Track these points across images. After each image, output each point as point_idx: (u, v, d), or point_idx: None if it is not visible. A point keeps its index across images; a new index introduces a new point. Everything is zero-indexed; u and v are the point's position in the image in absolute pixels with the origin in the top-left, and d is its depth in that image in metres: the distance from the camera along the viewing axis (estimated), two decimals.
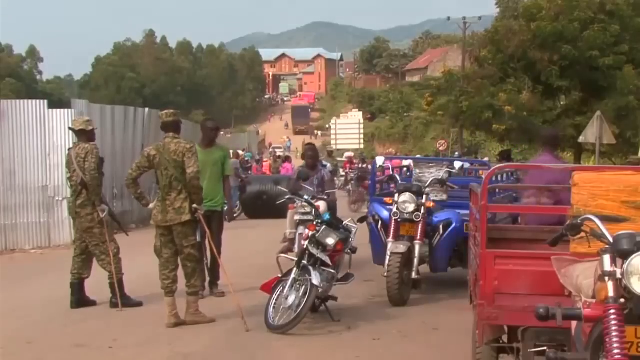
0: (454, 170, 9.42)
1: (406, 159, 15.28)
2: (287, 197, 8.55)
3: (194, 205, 6.87)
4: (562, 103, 18.13)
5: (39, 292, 8.75)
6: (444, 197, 9.01)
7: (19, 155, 13.17)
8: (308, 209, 8.31)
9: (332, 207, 9.28)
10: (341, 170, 27.10)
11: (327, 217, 7.19)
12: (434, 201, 8.43)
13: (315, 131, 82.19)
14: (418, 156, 26.87)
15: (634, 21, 17.35)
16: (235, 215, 14.19)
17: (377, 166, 9.86)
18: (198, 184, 6.89)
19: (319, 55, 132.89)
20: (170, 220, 6.86)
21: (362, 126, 47.54)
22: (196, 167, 6.84)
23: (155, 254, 7.19)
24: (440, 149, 37.00)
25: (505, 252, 4.38)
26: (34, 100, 14.12)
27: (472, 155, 36.49)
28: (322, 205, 8.47)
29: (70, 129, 8.18)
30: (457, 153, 32.49)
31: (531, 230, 5.82)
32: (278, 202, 9.38)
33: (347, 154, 33.01)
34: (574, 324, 3.28)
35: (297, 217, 8.87)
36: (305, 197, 8.06)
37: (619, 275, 2.83)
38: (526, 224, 6.56)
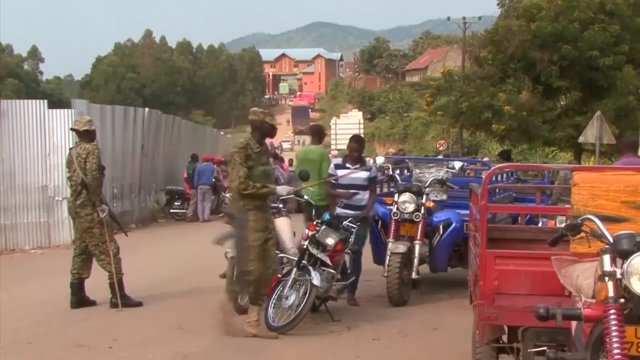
0: (454, 170, 9.42)
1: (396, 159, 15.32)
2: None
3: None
4: (562, 103, 18.12)
5: (39, 292, 8.75)
6: (444, 197, 9.01)
7: (19, 155, 13.17)
8: None
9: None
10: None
11: (327, 217, 7.19)
12: (434, 201, 8.43)
13: None
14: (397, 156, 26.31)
15: (634, 21, 17.34)
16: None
17: (377, 166, 9.86)
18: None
19: (319, 55, 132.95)
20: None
21: (362, 126, 47.62)
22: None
23: None
24: (440, 149, 36.98)
25: (505, 252, 4.38)
26: (34, 101, 14.12)
27: (471, 155, 36.45)
28: (279, 223, 7.55)
29: (72, 129, 8.16)
30: (447, 152, 32.51)
31: (531, 230, 5.82)
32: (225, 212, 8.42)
33: (332, 152, 31.28)
34: (574, 324, 3.28)
35: None
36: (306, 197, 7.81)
37: (619, 275, 2.83)
38: None
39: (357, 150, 8.22)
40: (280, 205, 7.74)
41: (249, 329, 6.53)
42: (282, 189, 6.80)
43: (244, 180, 6.32)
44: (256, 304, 6.59)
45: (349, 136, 9.45)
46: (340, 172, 7.99)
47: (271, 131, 6.78)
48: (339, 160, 8.27)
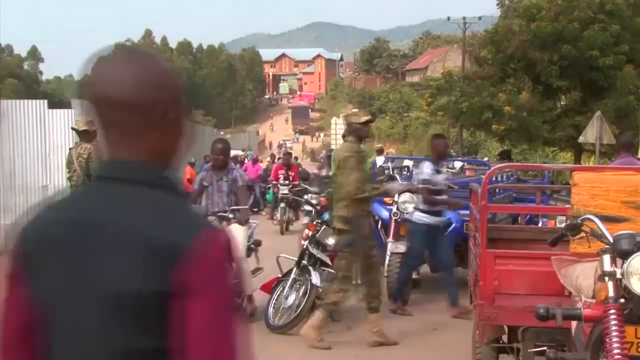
0: (454, 170, 9.41)
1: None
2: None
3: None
4: (562, 103, 18.13)
5: None
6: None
7: (19, 155, 13.16)
8: None
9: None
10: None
11: (326, 216, 7.18)
12: None
13: (316, 133, 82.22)
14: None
15: (634, 21, 17.34)
16: None
17: (377, 166, 9.88)
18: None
19: (319, 55, 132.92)
20: None
21: None
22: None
23: None
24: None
25: (505, 252, 4.39)
26: (34, 101, 14.10)
27: (471, 155, 36.44)
28: (236, 231, 6.69)
29: (73, 129, 8.16)
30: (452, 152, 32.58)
31: (531, 230, 5.82)
32: None
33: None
34: (574, 324, 3.28)
35: None
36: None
37: (619, 275, 2.83)
38: None
39: (447, 146, 8.07)
40: (230, 216, 7.13)
41: (376, 337, 6.36)
42: (392, 188, 6.96)
43: (361, 185, 6.15)
44: (374, 312, 6.39)
45: None
46: (439, 177, 7.67)
47: (367, 131, 6.57)
48: (431, 166, 7.60)
